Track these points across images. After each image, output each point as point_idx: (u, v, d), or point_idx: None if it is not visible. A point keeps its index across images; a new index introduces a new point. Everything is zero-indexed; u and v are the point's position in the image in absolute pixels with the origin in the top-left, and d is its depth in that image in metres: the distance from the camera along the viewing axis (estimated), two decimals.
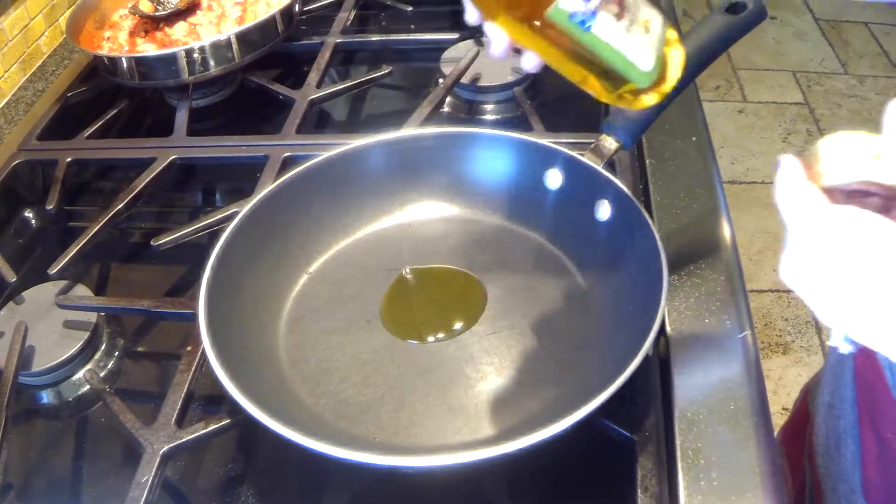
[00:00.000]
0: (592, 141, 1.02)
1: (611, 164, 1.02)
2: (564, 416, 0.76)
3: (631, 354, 0.80)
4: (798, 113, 3.92)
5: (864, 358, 1.05)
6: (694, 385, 0.89)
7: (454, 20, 1.74)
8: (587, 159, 1.02)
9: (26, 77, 1.63)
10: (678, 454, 0.83)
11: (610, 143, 1.01)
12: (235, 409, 0.89)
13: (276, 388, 0.95)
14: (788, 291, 2.97)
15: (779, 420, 1.06)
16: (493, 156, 1.14)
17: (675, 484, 0.80)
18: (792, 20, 4.66)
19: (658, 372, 0.92)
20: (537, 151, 1.10)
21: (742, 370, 0.90)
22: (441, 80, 1.47)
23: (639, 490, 0.82)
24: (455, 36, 1.60)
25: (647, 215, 0.95)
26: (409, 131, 1.21)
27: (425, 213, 1.16)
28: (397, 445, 0.89)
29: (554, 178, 1.09)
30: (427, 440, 0.89)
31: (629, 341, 0.84)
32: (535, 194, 1.11)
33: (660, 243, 0.91)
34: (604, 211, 1.03)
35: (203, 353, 0.97)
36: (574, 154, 1.05)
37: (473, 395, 0.93)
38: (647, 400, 0.89)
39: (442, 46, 1.60)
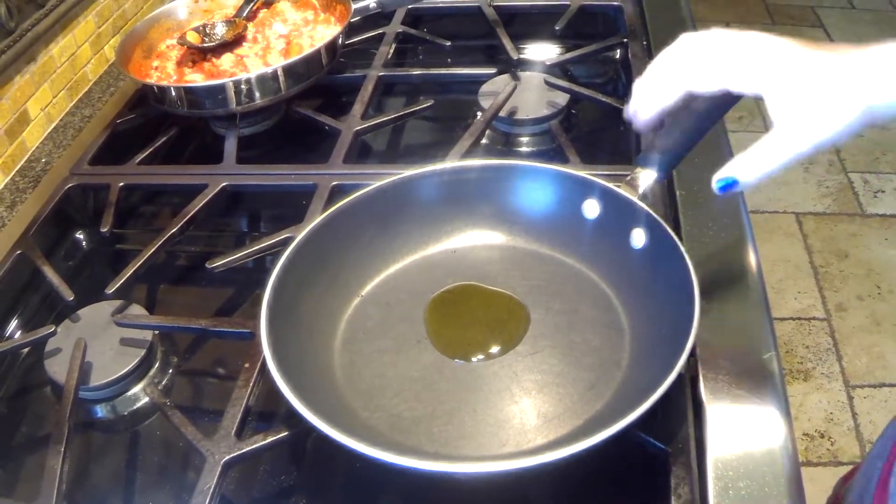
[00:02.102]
0: (627, 172, 1.06)
1: (645, 196, 1.05)
2: (603, 429, 0.80)
3: (664, 373, 0.83)
4: None
5: (887, 473, 1.09)
6: (722, 402, 0.92)
7: (490, 54, 1.79)
8: (623, 191, 1.06)
9: (73, 103, 1.68)
10: (708, 465, 0.86)
11: (644, 175, 1.04)
12: (291, 423, 0.94)
13: (334, 403, 0.99)
14: (809, 319, 3.00)
15: (798, 446, 1.09)
16: (534, 187, 1.17)
17: (706, 492, 0.84)
18: None
19: (689, 389, 0.95)
20: (576, 183, 1.13)
21: (767, 388, 0.94)
22: (479, 113, 1.51)
23: (672, 497, 0.86)
24: (493, 71, 1.63)
25: (679, 243, 0.98)
26: (455, 163, 1.24)
27: (470, 240, 1.20)
28: (448, 455, 0.93)
29: (591, 208, 1.12)
30: (475, 451, 0.93)
31: (663, 361, 0.87)
32: (573, 223, 1.14)
33: (692, 270, 0.94)
34: (638, 239, 1.06)
35: (260, 368, 1.03)
36: (611, 185, 1.08)
37: (518, 410, 0.97)
38: (679, 415, 0.93)
39: (480, 80, 1.63)
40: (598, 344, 1.04)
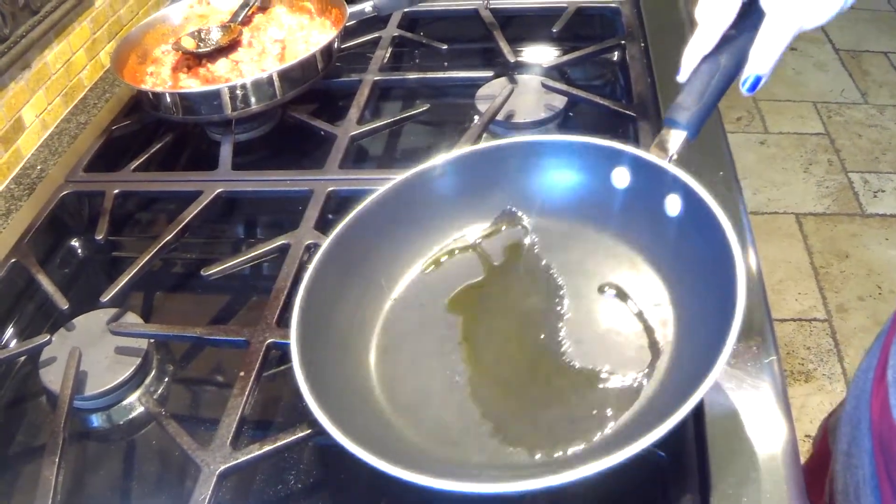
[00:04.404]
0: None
1: (674, 158, 1.01)
2: (657, 423, 0.77)
3: (716, 350, 0.80)
4: (819, 143, 3.95)
5: (880, 411, 1.08)
6: (724, 408, 0.92)
7: (486, 57, 1.78)
8: (653, 154, 1.02)
9: (69, 109, 1.68)
10: (710, 473, 0.85)
11: (673, 136, 1.00)
12: (287, 432, 0.93)
13: (376, 422, 0.95)
14: (810, 320, 3.00)
15: (801, 447, 1.08)
16: (556, 162, 1.13)
17: (707, 501, 0.83)
18: (812, 51, 4.67)
19: None
20: (601, 152, 1.09)
21: (769, 393, 0.93)
22: (476, 117, 1.51)
23: None
24: (489, 74, 1.63)
25: (716, 208, 0.94)
26: (469, 147, 1.18)
27: (497, 226, 1.16)
28: (493, 464, 0.90)
29: (621, 177, 1.07)
30: (525, 459, 0.90)
31: (712, 337, 0.83)
32: (603, 195, 1.09)
33: (732, 236, 0.90)
34: (673, 206, 1.01)
35: (256, 376, 1.02)
36: (639, 151, 1.04)
37: (569, 409, 0.94)
38: (682, 423, 0.92)
39: (477, 84, 1.63)
40: (643, 325, 1.00)
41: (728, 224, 0.91)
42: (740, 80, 0.96)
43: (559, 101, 1.55)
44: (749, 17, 0.97)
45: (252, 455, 0.94)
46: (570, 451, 0.89)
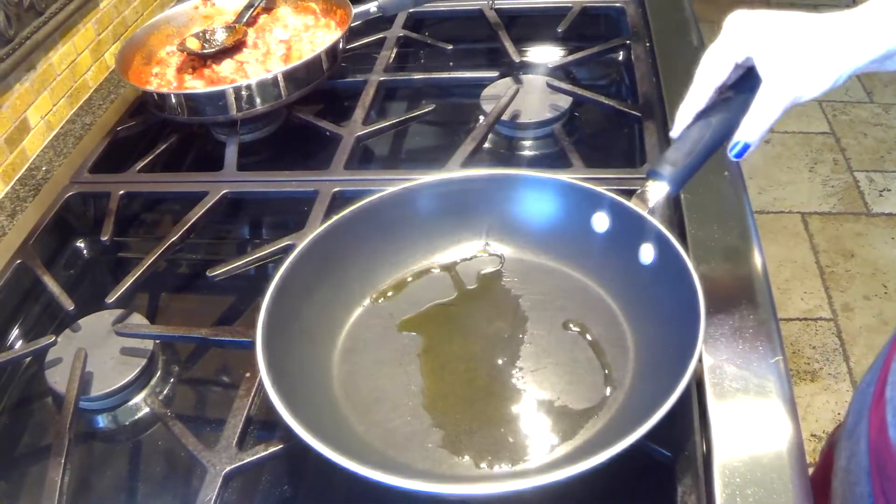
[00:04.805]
0: (631, 176, 1.04)
1: (654, 210, 1.03)
2: (600, 451, 0.78)
3: (665, 395, 0.82)
4: (824, 143, 3.94)
5: (878, 431, 1.08)
6: (729, 407, 0.92)
7: (492, 58, 1.78)
8: (633, 205, 1.03)
9: (73, 111, 1.67)
10: (715, 472, 0.85)
11: (655, 189, 1.02)
12: (291, 434, 0.93)
13: (329, 415, 0.98)
14: (816, 319, 2.99)
15: (806, 447, 1.07)
16: (542, 198, 1.15)
17: (713, 500, 0.83)
18: None
19: (695, 395, 0.95)
20: (585, 195, 1.11)
21: (774, 393, 0.93)
22: (482, 117, 1.50)
23: None
24: (495, 74, 1.63)
25: (689, 263, 0.96)
26: (458, 173, 1.22)
27: (475, 251, 1.19)
28: (441, 474, 0.92)
29: (601, 222, 1.10)
30: (468, 470, 0.92)
31: (664, 383, 0.85)
32: (581, 235, 1.12)
33: (700, 292, 0.92)
34: (647, 255, 1.04)
35: (261, 379, 1.02)
36: (621, 199, 1.06)
37: (517, 428, 0.96)
38: (685, 422, 0.92)
39: (482, 84, 1.63)
40: (602, 362, 1.03)
41: (697, 279, 0.94)
42: (728, 146, 0.97)
43: (564, 101, 1.55)
44: (747, 82, 0.98)
45: (258, 456, 0.94)
46: (515, 468, 0.92)
